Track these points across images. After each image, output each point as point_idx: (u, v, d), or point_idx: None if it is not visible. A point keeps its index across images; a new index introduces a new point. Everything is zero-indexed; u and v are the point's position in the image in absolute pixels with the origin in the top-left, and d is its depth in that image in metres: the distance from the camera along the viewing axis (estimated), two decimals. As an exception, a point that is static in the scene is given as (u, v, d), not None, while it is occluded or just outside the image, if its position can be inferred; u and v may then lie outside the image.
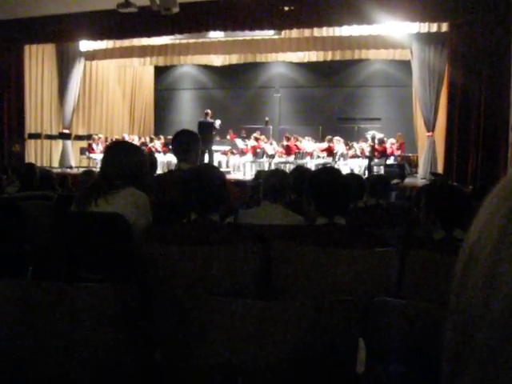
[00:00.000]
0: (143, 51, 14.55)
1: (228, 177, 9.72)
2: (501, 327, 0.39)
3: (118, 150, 2.89)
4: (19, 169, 5.52)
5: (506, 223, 0.40)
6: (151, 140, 14.57)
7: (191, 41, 13.75)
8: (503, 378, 0.39)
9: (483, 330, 0.40)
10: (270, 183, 3.14)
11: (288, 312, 1.45)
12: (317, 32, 11.84)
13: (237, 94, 18.15)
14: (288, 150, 12.73)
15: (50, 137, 13.69)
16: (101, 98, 16.08)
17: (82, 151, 13.95)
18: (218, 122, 12.14)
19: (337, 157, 12.48)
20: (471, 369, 0.41)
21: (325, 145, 12.93)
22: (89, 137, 13.95)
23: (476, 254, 0.42)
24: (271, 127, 16.35)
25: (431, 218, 2.30)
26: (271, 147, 12.99)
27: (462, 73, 9.93)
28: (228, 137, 14.79)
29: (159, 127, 18.25)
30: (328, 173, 2.44)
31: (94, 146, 13.56)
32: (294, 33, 12.03)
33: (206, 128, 11.59)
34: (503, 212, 0.41)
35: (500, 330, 0.39)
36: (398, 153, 12.48)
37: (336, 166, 9.12)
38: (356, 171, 11.57)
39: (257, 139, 13.07)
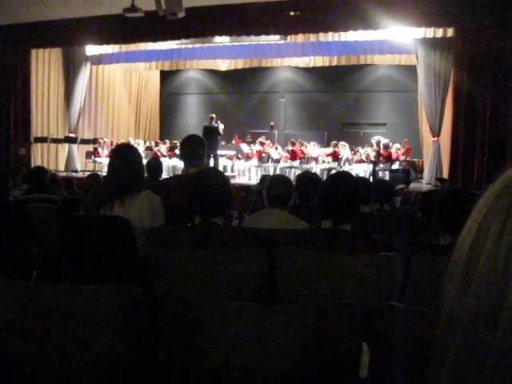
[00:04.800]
0: (149, 56, 14.62)
1: (233, 181, 9.73)
2: None
3: (130, 154, 2.88)
4: (27, 172, 5.54)
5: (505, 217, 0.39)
6: (156, 144, 14.59)
7: (197, 45, 13.80)
8: None
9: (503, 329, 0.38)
10: (274, 191, 3.11)
11: (292, 316, 1.44)
12: (322, 37, 11.86)
13: (242, 99, 18.16)
14: (293, 155, 12.73)
15: (56, 140, 13.76)
16: (107, 103, 16.14)
17: (88, 155, 14.04)
18: (221, 127, 12.17)
19: (342, 162, 12.47)
20: None
21: (330, 150, 12.91)
22: (94, 141, 14.02)
23: (478, 252, 0.41)
24: (276, 132, 16.33)
25: (439, 223, 2.30)
26: (276, 152, 13.00)
27: (467, 78, 9.91)
28: (233, 141, 14.79)
29: (165, 131, 18.28)
30: (337, 178, 2.42)
31: (100, 149, 13.64)
32: (300, 38, 12.06)
33: (211, 132, 11.61)
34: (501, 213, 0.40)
35: None
36: (403, 158, 12.45)
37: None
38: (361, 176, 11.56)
39: (262, 144, 13.08)
